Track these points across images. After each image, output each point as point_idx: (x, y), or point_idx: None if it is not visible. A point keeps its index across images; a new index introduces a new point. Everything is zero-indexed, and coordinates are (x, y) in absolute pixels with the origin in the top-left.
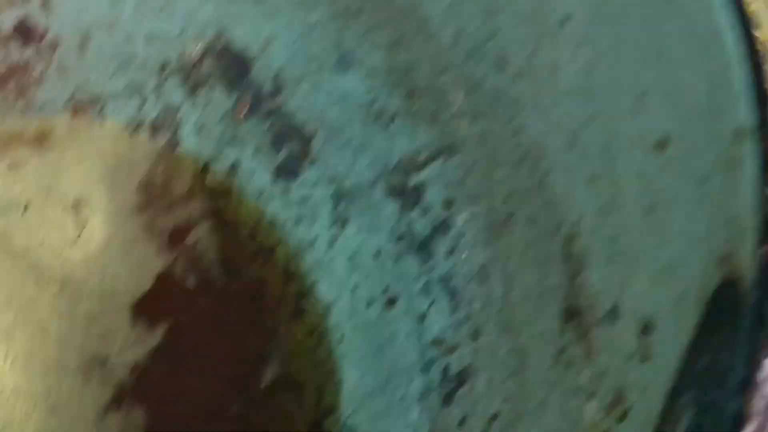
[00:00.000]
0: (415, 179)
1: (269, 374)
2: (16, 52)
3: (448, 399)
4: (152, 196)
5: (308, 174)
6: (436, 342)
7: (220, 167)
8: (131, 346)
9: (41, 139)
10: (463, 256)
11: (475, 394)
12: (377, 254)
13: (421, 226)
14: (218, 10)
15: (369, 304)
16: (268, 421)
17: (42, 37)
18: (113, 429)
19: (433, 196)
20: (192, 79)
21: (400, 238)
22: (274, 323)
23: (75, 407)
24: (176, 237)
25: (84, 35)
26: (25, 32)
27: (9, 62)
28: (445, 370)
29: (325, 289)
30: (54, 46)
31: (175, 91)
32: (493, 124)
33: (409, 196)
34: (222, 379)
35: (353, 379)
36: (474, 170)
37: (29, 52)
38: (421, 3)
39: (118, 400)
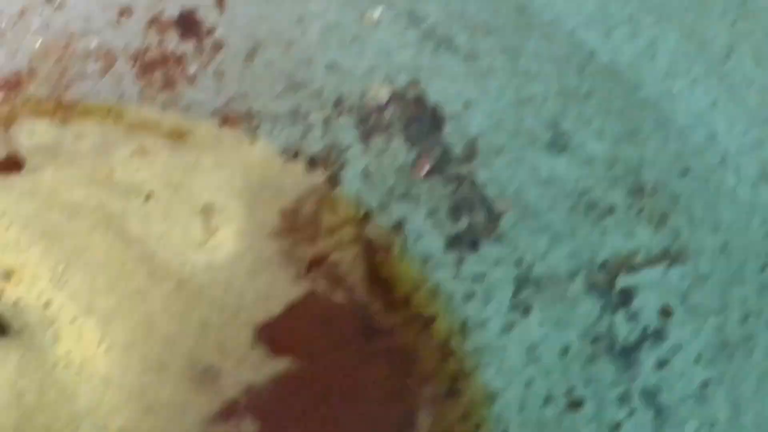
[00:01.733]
0: (625, 281)
1: None
2: (173, 42)
3: None
4: (296, 224)
5: (490, 250)
6: None
7: (383, 221)
8: (249, 366)
9: (178, 136)
10: (678, 372)
11: None
12: (564, 351)
13: (626, 331)
14: (418, 57)
15: (546, 402)
16: None
17: (207, 34)
18: None
19: (647, 302)
20: (371, 122)
21: (596, 340)
22: (420, 397)
23: (175, 413)
24: (317, 270)
25: (255, 45)
26: (188, 24)
27: (162, 50)
28: None
29: (491, 376)
30: (217, 48)
31: (346, 130)
32: (739, 239)
33: (614, 298)
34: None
35: None
36: (706, 283)
37: (187, 46)
38: (671, 99)
39: (227, 414)
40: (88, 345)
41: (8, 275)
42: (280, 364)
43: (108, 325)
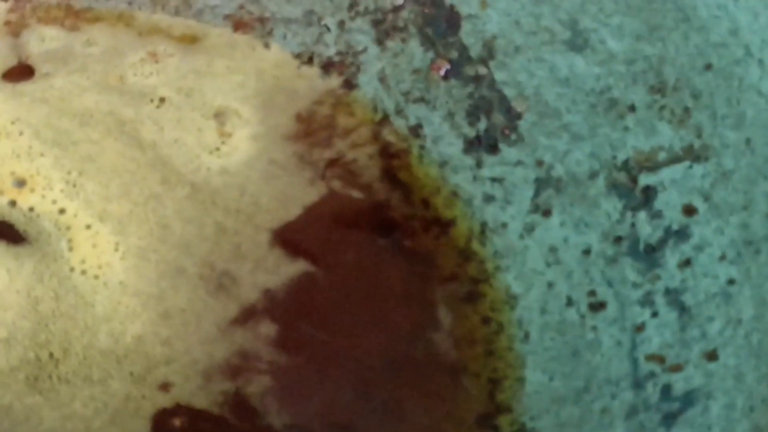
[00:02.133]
0: (647, 179)
1: (423, 349)
2: None
3: (669, 420)
4: (311, 128)
5: (509, 153)
6: (656, 357)
7: (400, 125)
8: (266, 270)
9: (190, 41)
10: (703, 271)
11: (710, 418)
12: (585, 252)
13: (649, 230)
14: None
15: (568, 304)
16: (419, 398)
17: None
18: (236, 344)
19: (670, 200)
20: (386, 24)
21: (618, 240)
22: (439, 299)
23: (192, 318)
24: (334, 172)
25: None
26: None
27: None
28: (667, 389)
29: (511, 279)
30: None
31: (362, 33)
32: (763, 134)
33: (636, 197)
34: (367, 336)
35: (539, 380)
36: (729, 180)
37: None
38: None
39: (244, 318)
40: (104, 251)
41: (21, 183)
42: (297, 267)
43: (123, 232)
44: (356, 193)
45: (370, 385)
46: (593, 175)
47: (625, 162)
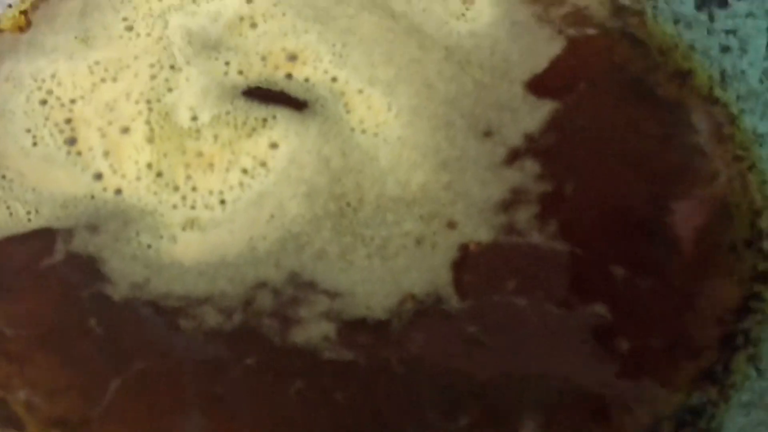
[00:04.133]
0: None
1: (683, 187)
2: None
3: None
4: None
5: (739, 5)
6: None
7: None
8: (523, 115)
9: None
10: None
11: None
12: None
13: None
14: None
15: None
16: (690, 229)
17: None
18: (507, 182)
19: None
20: None
21: None
22: (690, 144)
23: (467, 164)
24: (569, 23)
25: None
26: None
27: None
28: None
29: (756, 120)
30: None
31: None
32: None
33: None
34: (625, 174)
35: None
36: None
37: None
38: None
39: (511, 159)
40: (379, 111)
41: (293, 58)
42: (550, 105)
43: (393, 92)
44: (591, 31)
45: (631, 211)
46: None
47: None
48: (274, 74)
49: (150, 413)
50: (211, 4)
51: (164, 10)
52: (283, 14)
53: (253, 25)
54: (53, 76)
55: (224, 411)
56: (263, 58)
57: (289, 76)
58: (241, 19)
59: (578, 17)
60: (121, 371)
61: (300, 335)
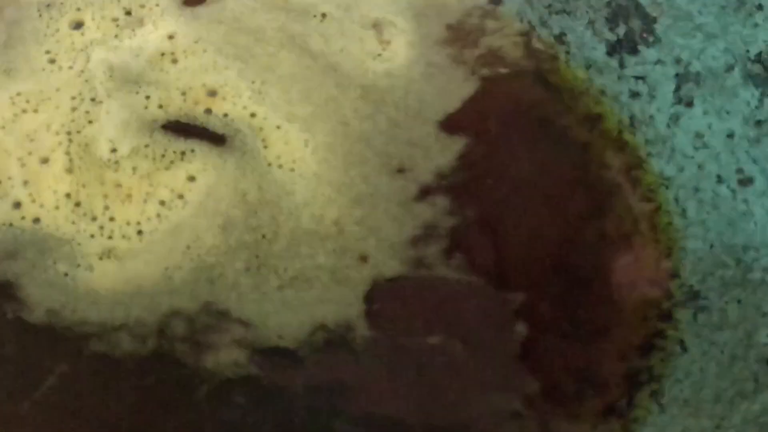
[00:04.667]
0: None
1: (593, 230)
2: None
3: None
4: (462, 34)
5: (649, 53)
6: None
7: (545, 34)
8: (436, 153)
9: None
10: None
11: None
12: (729, 136)
13: None
14: None
15: (718, 181)
16: (595, 270)
17: None
18: (419, 218)
19: None
20: None
21: (759, 123)
22: (601, 184)
23: (380, 200)
24: (483, 63)
25: None
26: None
27: None
28: None
29: (663, 164)
30: None
31: None
32: None
33: None
34: (537, 212)
35: (700, 248)
36: None
37: None
38: None
39: (422, 196)
40: (296, 147)
41: (213, 93)
42: (461, 144)
43: (310, 129)
44: (504, 71)
45: (540, 249)
46: (729, 69)
47: (758, 54)
48: (194, 109)
49: None
50: (133, 39)
51: (87, 44)
52: (204, 51)
53: (174, 61)
54: None
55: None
56: (183, 93)
57: (208, 111)
58: (163, 54)
59: (492, 58)
60: (31, 393)
61: (210, 360)
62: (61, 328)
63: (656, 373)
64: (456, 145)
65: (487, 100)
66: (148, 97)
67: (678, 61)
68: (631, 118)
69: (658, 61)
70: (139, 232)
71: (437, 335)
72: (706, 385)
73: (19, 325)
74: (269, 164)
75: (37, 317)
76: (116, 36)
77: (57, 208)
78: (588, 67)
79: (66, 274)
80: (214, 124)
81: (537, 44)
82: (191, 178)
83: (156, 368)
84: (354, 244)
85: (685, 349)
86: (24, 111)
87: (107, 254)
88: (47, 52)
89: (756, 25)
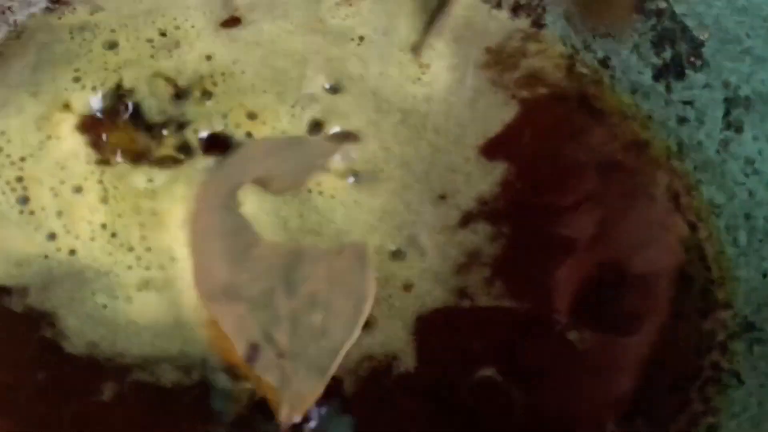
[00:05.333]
0: None
1: (643, 259)
2: None
3: None
4: (502, 57)
5: (696, 77)
6: None
7: (589, 58)
8: (477, 179)
9: None
10: None
11: None
12: None
13: None
14: None
15: None
16: (644, 302)
17: None
18: (462, 245)
19: None
20: None
21: None
22: (648, 209)
23: (422, 226)
24: (522, 85)
25: None
26: None
27: None
28: None
29: (712, 191)
30: None
31: None
32: None
33: None
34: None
35: (754, 278)
36: None
37: None
38: None
39: (465, 222)
40: (336, 175)
41: (252, 116)
42: (503, 169)
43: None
44: (544, 90)
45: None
46: None
47: None
48: (235, 132)
49: None
50: (170, 60)
51: (120, 64)
52: (243, 72)
53: (214, 83)
54: (3, 132)
55: None
56: (224, 116)
57: (249, 134)
58: (202, 77)
59: (533, 80)
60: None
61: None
62: (103, 359)
63: (713, 406)
64: (497, 170)
65: (528, 124)
66: (186, 120)
67: (726, 85)
68: (679, 144)
69: (706, 86)
70: (172, 258)
71: (482, 364)
72: (765, 419)
73: (60, 356)
74: (309, 191)
75: (77, 348)
76: (152, 56)
77: (93, 239)
78: (634, 92)
79: (105, 306)
80: None
81: (581, 68)
82: None
83: (200, 397)
84: (398, 272)
85: (741, 382)
86: (49, 137)
87: (145, 285)
88: (76, 70)
89: None
